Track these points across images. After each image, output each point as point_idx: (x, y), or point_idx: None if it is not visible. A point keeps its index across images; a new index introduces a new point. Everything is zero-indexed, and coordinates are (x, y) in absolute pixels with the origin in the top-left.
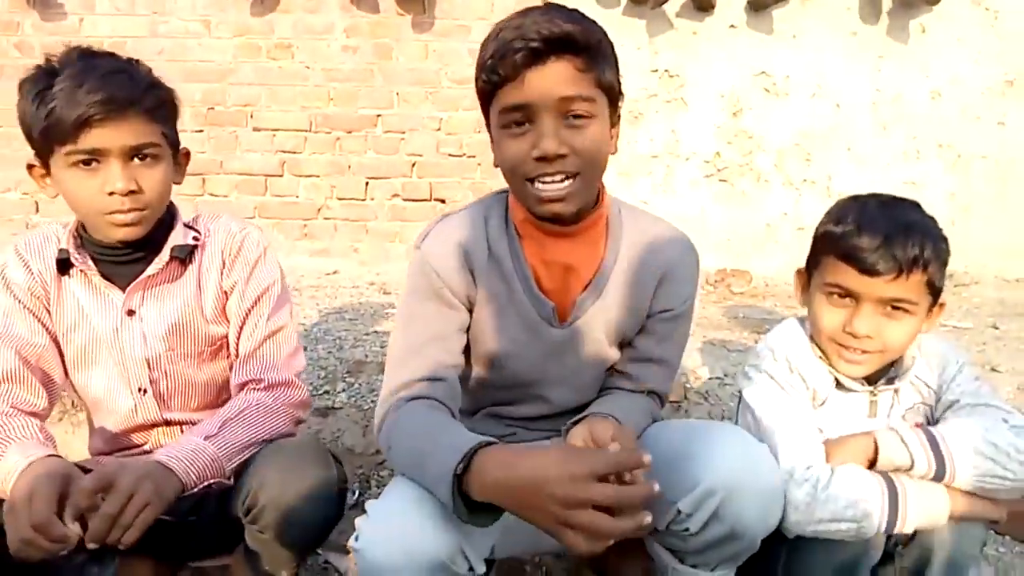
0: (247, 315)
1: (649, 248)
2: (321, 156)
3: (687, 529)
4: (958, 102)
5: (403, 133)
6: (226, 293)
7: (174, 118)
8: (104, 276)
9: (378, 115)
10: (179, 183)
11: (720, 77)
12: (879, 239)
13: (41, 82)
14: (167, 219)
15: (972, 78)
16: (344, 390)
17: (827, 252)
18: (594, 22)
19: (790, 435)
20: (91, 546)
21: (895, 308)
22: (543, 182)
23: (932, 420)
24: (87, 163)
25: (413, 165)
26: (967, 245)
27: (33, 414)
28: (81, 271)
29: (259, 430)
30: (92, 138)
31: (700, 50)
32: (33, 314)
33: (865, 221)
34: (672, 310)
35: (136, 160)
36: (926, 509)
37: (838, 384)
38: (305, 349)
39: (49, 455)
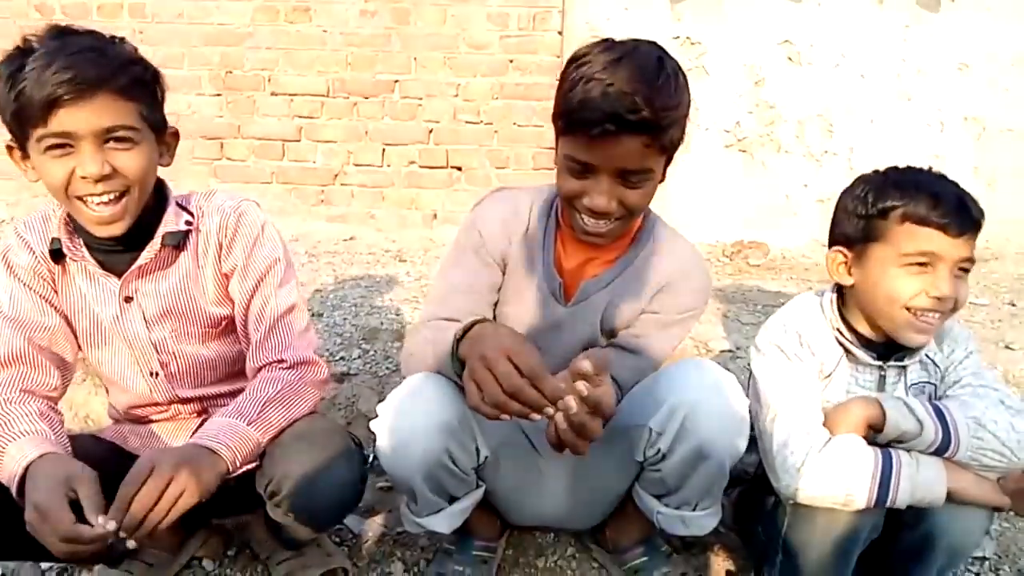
0: (252, 296)
1: (662, 260)
2: (338, 121)
3: (659, 450)
4: (986, 73)
5: (420, 99)
6: (226, 276)
7: (156, 97)
8: (100, 263)
9: (395, 81)
10: (166, 165)
11: (743, 45)
12: (955, 201)
13: (15, 63)
14: (157, 203)
15: (1001, 49)
16: (360, 356)
17: (899, 222)
18: (676, 79)
19: (790, 403)
20: (123, 536)
21: (962, 269)
22: (588, 222)
23: (935, 399)
24: (60, 147)
25: (430, 132)
26: (990, 219)
27: (47, 396)
28: (74, 260)
29: (292, 411)
30: (62, 120)
31: (723, 17)
32: (40, 295)
33: (934, 188)
34: (660, 314)
35: (112, 143)
36: (923, 486)
37: (850, 357)
38: (321, 315)
39: (43, 454)
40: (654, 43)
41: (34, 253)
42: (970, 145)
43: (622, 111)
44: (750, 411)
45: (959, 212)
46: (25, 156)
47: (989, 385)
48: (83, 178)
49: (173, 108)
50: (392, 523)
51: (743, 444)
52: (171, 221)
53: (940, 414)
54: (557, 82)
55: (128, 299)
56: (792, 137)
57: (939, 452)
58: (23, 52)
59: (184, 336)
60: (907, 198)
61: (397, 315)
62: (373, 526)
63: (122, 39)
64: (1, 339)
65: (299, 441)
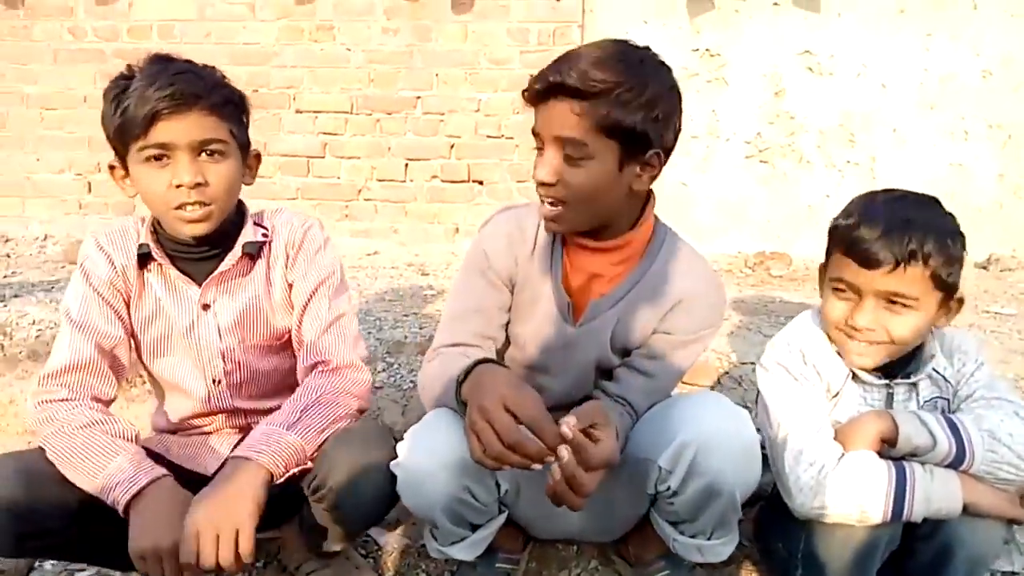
0: (309, 300)
1: (674, 277)
2: (362, 138)
3: (669, 487)
4: (1010, 81)
5: (442, 115)
6: (291, 285)
7: (242, 118)
8: (180, 271)
9: (418, 97)
10: (249, 183)
11: (762, 56)
12: (877, 232)
13: (120, 86)
14: (237, 217)
15: None
16: (384, 370)
17: (834, 246)
18: (641, 64)
19: (799, 420)
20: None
21: (893, 302)
22: (543, 199)
23: (949, 413)
24: (158, 158)
25: (452, 147)
26: (1015, 228)
27: (106, 403)
28: (159, 265)
29: (333, 414)
30: (160, 132)
31: (742, 28)
32: (110, 306)
33: (868, 215)
34: (673, 334)
35: (204, 155)
36: (938, 498)
37: (855, 377)
38: None
39: (152, 481)
40: (645, 48)
41: (114, 266)
42: (995, 153)
43: (550, 73)
44: (759, 428)
45: (881, 245)
46: (125, 174)
47: (1003, 397)
48: (178, 186)
49: None
50: (416, 536)
51: (755, 480)
52: (249, 233)
53: (954, 427)
54: None
55: (206, 307)
56: (813, 147)
57: (953, 466)
58: (127, 77)
59: (250, 347)
60: (845, 222)
61: (421, 328)
62: (397, 538)
63: (212, 67)
64: (71, 344)
65: (348, 436)
